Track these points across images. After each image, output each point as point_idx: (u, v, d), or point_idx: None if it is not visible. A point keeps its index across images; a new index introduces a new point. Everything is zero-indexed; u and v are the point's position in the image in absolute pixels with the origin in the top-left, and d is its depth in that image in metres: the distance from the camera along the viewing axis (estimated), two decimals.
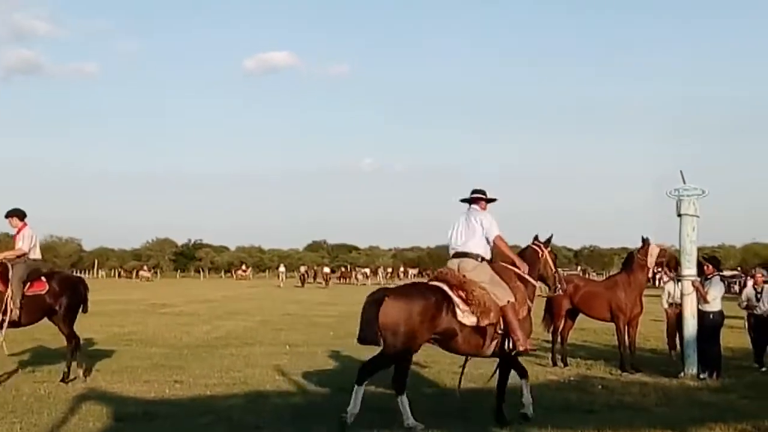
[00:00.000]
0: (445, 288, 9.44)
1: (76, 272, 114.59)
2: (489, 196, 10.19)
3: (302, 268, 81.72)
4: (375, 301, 9.19)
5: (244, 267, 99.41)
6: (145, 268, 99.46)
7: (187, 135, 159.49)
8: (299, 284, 70.38)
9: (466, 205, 10.22)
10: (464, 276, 9.59)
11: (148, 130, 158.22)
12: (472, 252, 9.84)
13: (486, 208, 10.15)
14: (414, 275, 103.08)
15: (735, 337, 18.01)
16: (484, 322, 9.37)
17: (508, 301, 9.54)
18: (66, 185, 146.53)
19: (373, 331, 9.20)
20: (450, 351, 9.95)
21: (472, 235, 9.89)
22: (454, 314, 9.27)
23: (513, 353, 9.82)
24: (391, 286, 9.93)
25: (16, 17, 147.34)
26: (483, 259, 9.87)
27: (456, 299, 9.32)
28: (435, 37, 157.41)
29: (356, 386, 9.32)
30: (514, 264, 10.04)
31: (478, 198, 10.18)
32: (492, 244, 9.90)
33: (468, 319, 9.33)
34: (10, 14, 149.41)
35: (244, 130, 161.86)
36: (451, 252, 10.08)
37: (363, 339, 9.40)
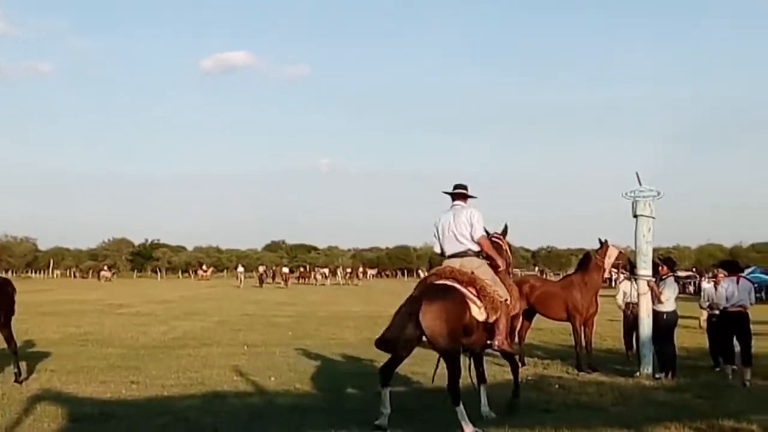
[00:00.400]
0: (458, 286, 9.36)
1: (32, 272, 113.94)
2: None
3: (261, 268, 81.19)
4: (413, 313, 9.02)
5: (204, 267, 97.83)
6: (106, 268, 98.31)
7: (143, 135, 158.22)
8: (258, 284, 70.10)
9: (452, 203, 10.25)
10: (473, 272, 9.55)
11: (104, 129, 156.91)
12: (473, 249, 9.84)
13: (467, 203, 10.15)
14: (373, 276, 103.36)
15: (689, 337, 18.27)
16: (492, 319, 9.48)
17: (505, 300, 9.64)
18: (21, 184, 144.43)
19: (401, 341, 9.14)
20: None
21: (467, 233, 9.84)
22: (471, 310, 9.29)
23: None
24: (414, 293, 9.54)
25: None
26: (481, 256, 9.92)
27: (471, 296, 9.32)
28: (394, 39, 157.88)
29: (383, 389, 9.35)
30: (495, 263, 10.01)
31: (461, 193, 10.18)
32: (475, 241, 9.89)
33: (481, 315, 9.38)
34: None
35: (201, 130, 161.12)
36: (448, 251, 9.96)
37: (386, 346, 9.31)
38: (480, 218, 9.87)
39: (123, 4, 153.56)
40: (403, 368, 10.81)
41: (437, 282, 9.51)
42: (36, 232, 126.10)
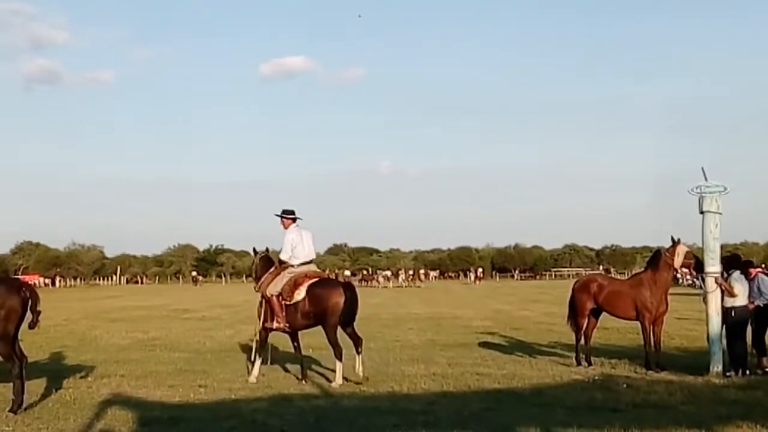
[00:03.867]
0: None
1: (99, 279, 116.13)
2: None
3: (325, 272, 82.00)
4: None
5: None
6: (195, 273, 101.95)
7: (206, 141, 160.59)
8: None
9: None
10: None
11: (168, 136, 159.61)
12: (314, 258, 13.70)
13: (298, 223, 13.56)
14: (435, 277, 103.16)
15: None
16: None
17: None
18: (88, 193, 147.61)
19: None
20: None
21: (312, 247, 13.63)
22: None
23: None
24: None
25: (34, 27, 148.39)
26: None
27: None
28: (450, 38, 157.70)
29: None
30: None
31: (295, 217, 13.54)
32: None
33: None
34: (28, 24, 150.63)
35: (262, 135, 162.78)
36: (306, 258, 13.40)
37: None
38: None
39: (182, 13, 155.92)
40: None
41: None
42: (103, 239, 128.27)
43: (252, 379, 13.09)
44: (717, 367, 13.51)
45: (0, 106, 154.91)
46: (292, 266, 13.20)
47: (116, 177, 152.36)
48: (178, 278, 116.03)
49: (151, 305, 40.84)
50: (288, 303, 12.96)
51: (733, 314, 13.56)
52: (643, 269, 15.84)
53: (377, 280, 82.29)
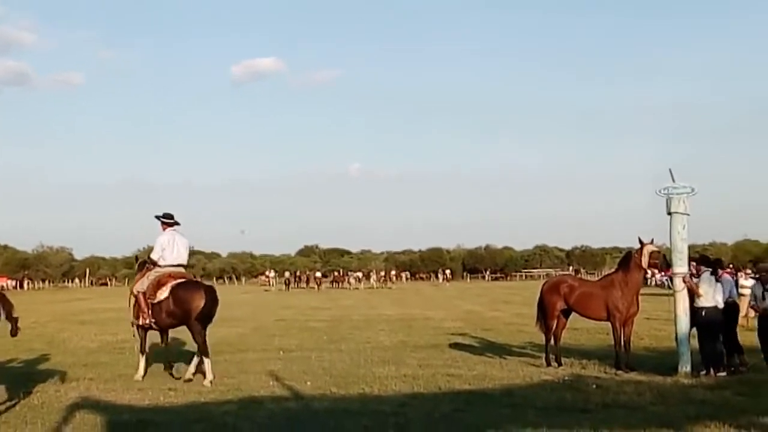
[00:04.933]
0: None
1: (68, 281, 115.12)
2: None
3: (286, 273, 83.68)
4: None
5: (267, 272, 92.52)
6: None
7: (175, 142, 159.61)
8: (284, 288, 71.19)
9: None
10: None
11: (136, 138, 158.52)
12: (184, 262, 14.08)
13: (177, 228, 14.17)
14: (407, 278, 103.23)
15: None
16: None
17: None
18: (56, 195, 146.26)
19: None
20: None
21: (184, 251, 14.09)
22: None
23: None
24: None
25: (2, 29, 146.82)
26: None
27: None
28: (422, 41, 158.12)
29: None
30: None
31: (173, 222, 14.17)
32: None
33: None
34: None
35: (232, 137, 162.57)
36: (175, 261, 13.91)
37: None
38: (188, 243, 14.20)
39: (151, 14, 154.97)
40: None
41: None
42: (71, 241, 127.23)
43: (137, 377, 13.62)
44: (685, 367, 13.62)
45: None
46: (160, 267, 13.85)
47: (85, 179, 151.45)
48: None
49: (121, 307, 40.21)
50: (153, 301, 13.54)
51: (703, 314, 13.66)
52: (614, 270, 15.96)
53: (348, 282, 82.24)
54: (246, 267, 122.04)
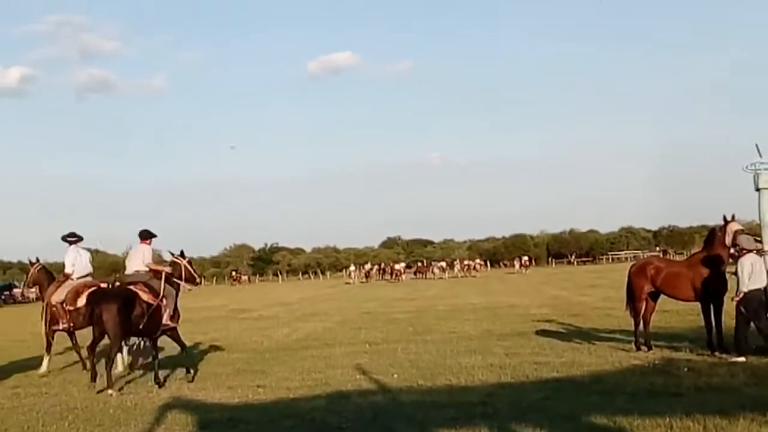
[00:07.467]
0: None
1: None
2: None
3: (366, 266, 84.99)
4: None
5: (353, 267, 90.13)
6: (234, 273, 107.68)
7: (257, 140, 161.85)
8: (364, 280, 72.16)
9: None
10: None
11: (218, 137, 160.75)
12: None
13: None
14: (488, 266, 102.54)
15: None
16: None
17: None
18: (144, 195, 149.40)
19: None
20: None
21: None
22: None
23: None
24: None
25: (84, 38, 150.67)
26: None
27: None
28: (494, 28, 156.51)
29: None
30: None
31: (76, 240, 16.31)
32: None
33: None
34: (78, 35, 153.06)
35: (313, 132, 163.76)
36: (83, 272, 16.07)
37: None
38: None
39: (227, 14, 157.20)
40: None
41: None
42: (159, 242, 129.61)
43: (42, 371, 15.47)
44: None
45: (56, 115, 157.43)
46: (72, 279, 15.98)
47: (172, 178, 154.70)
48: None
49: (211, 306, 41.24)
50: (71, 309, 15.44)
51: None
52: (700, 249, 15.58)
53: (432, 272, 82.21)
54: (330, 261, 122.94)
